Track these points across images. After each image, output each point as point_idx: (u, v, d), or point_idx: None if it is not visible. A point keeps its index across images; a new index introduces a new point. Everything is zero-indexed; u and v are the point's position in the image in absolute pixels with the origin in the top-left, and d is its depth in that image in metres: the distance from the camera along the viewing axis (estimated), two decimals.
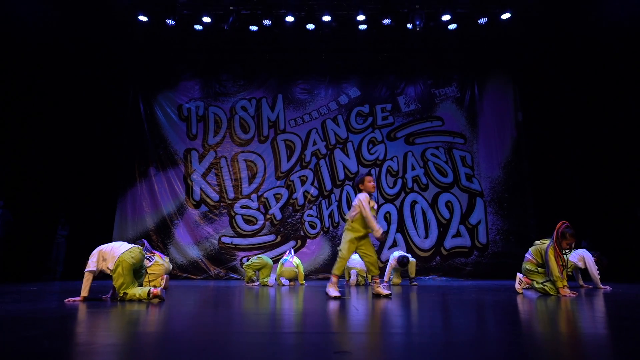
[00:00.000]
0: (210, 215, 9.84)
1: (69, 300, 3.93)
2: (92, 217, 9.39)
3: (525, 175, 9.92)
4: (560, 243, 4.78)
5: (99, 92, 9.67)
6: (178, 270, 9.32)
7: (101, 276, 4.13)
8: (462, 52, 10.31)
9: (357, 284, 6.99)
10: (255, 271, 7.38)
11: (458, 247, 9.64)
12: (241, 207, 9.88)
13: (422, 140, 10.18)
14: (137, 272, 4.23)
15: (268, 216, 9.83)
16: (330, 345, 2.07)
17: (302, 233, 9.77)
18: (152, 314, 3.20)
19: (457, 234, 9.71)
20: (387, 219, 9.82)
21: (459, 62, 10.44)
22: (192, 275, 9.45)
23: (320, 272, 9.42)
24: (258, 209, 9.86)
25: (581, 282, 6.33)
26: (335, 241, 9.58)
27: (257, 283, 7.24)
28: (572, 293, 4.71)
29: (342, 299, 4.29)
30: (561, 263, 4.76)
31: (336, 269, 4.52)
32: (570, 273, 5.62)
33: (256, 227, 9.80)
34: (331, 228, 9.80)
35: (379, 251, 9.30)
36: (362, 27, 9.22)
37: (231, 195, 9.94)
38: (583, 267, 6.03)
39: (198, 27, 9.22)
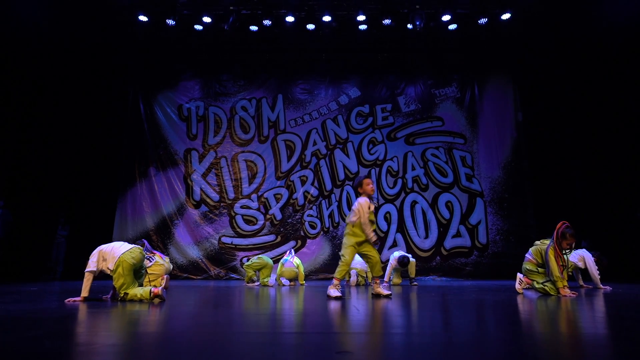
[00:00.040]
0: (211, 215, 9.84)
1: (69, 301, 3.93)
2: (92, 217, 9.39)
3: (525, 175, 9.92)
4: (560, 243, 4.78)
5: (99, 92, 9.67)
6: (178, 270, 9.32)
7: (101, 276, 4.13)
8: (462, 52, 10.31)
9: (357, 284, 7.00)
10: (255, 271, 7.38)
11: (458, 247, 9.64)
12: (241, 207, 9.88)
13: (422, 141, 10.18)
14: (137, 272, 4.23)
15: (268, 216, 9.83)
16: (332, 345, 2.07)
17: (302, 233, 9.77)
18: (153, 314, 3.20)
19: (457, 234, 9.71)
20: (387, 219, 9.82)
21: (459, 62, 10.44)
22: (192, 275, 9.45)
23: (320, 272, 9.42)
24: (258, 209, 9.86)
25: (581, 282, 6.33)
26: (335, 241, 9.59)
27: (258, 283, 7.24)
28: (573, 293, 4.71)
29: (342, 299, 4.29)
30: (561, 263, 4.76)
31: (338, 273, 4.51)
32: (571, 273, 5.62)
33: (256, 227, 9.80)
34: (331, 228, 9.80)
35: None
36: (362, 27, 9.22)
37: (231, 195, 9.94)
38: (583, 267, 6.03)
39: (198, 27, 9.22)
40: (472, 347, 2.04)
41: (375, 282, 4.64)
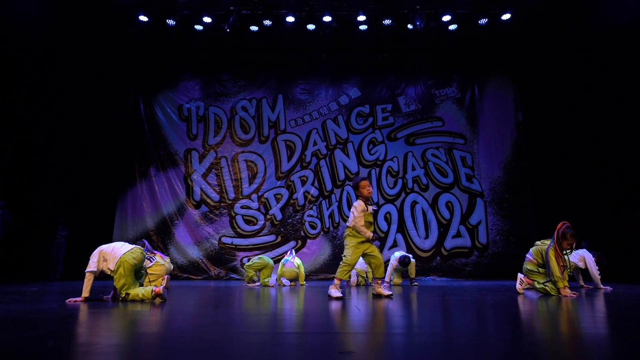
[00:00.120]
0: (211, 215, 9.84)
1: (70, 301, 3.93)
2: (92, 217, 9.38)
3: (525, 175, 9.92)
4: (560, 243, 4.78)
5: (100, 92, 9.67)
6: (178, 270, 9.32)
7: (102, 276, 4.12)
8: (463, 53, 10.31)
9: (358, 285, 7.00)
10: (256, 271, 7.38)
11: (458, 248, 9.65)
12: (241, 207, 9.88)
13: (422, 141, 10.19)
14: (137, 272, 4.23)
15: (268, 216, 9.83)
16: (334, 345, 2.07)
17: (302, 233, 9.77)
18: (153, 315, 3.20)
19: (458, 235, 9.71)
20: (387, 219, 9.82)
21: (459, 63, 10.44)
22: (192, 275, 9.45)
23: (320, 273, 9.42)
24: (258, 209, 9.86)
25: (582, 283, 6.33)
26: (335, 241, 9.59)
27: (258, 283, 7.24)
28: (573, 293, 4.71)
29: (343, 300, 4.29)
30: (562, 263, 4.76)
31: (340, 274, 4.50)
32: (571, 273, 5.62)
33: (256, 227, 9.80)
34: (331, 228, 9.80)
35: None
36: (363, 27, 9.23)
37: (231, 195, 9.94)
38: (584, 267, 6.03)
39: (198, 27, 9.23)
40: (473, 347, 2.04)
41: (377, 282, 4.64)
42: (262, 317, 3.21)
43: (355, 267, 6.86)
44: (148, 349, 2.03)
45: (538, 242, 5.18)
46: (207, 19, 9.00)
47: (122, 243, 4.23)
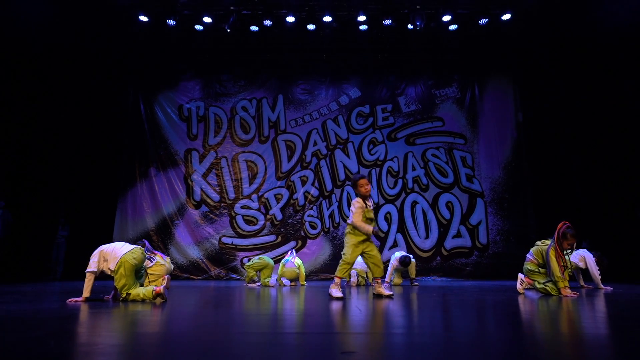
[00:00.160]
0: (211, 215, 9.84)
1: (70, 301, 3.93)
2: (92, 218, 9.39)
3: (525, 175, 9.92)
4: (561, 243, 4.78)
5: (100, 92, 9.67)
6: (178, 270, 9.31)
7: (102, 277, 4.12)
8: (463, 53, 10.31)
9: (358, 285, 7.00)
10: (256, 272, 7.38)
11: (458, 248, 9.65)
12: (242, 207, 9.88)
13: (422, 141, 10.19)
14: (137, 272, 4.23)
15: (268, 216, 9.83)
16: (334, 345, 2.07)
17: (302, 233, 9.77)
18: (154, 315, 3.20)
19: (458, 235, 9.71)
20: (387, 219, 9.83)
21: (460, 63, 10.44)
22: (192, 275, 9.45)
23: (320, 273, 9.42)
24: (258, 210, 9.87)
25: (582, 283, 6.33)
26: (335, 241, 9.59)
27: (259, 283, 7.24)
28: (574, 293, 4.71)
29: (344, 300, 4.29)
30: (562, 263, 4.76)
31: (339, 272, 4.50)
32: (571, 273, 5.62)
33: (257, 227, 9.80)
34: (332, 228, 9.80)
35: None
36: (363, 27, 9.23)
37: (232, 195, 9.94)
38: (584, 267, 6.03)
39: (199, 27, 9.23)
40: (474, 347, 2.04)
41: (377, 282, 4.64)
42: (263, 317, 3.21)
43: (355, 267, 6.92)
44: (149, 349, 2.03)
45: (538, 242, 5.18)
46: (207, 19, 9.01)
47: (123, 243, 4.23)
